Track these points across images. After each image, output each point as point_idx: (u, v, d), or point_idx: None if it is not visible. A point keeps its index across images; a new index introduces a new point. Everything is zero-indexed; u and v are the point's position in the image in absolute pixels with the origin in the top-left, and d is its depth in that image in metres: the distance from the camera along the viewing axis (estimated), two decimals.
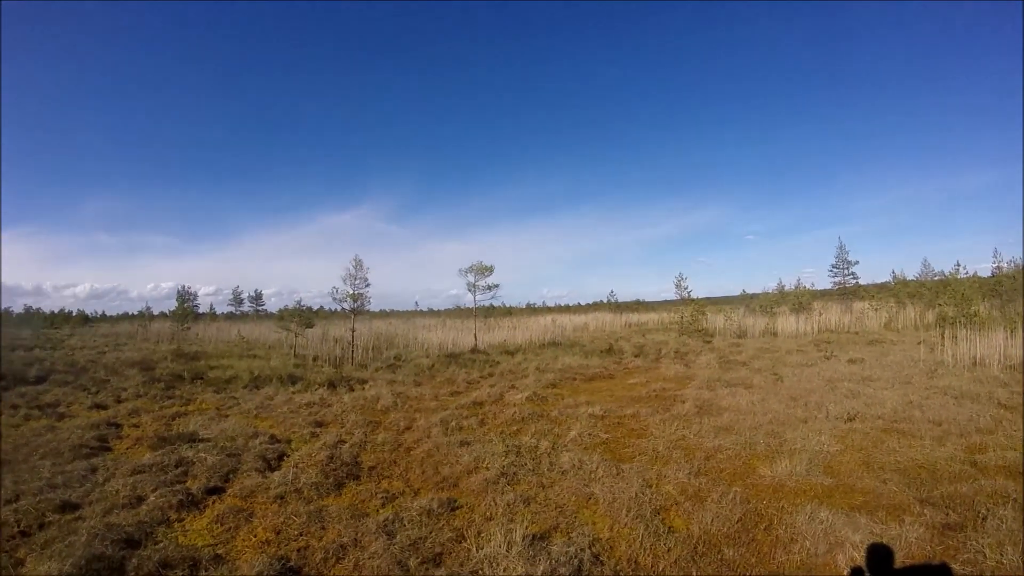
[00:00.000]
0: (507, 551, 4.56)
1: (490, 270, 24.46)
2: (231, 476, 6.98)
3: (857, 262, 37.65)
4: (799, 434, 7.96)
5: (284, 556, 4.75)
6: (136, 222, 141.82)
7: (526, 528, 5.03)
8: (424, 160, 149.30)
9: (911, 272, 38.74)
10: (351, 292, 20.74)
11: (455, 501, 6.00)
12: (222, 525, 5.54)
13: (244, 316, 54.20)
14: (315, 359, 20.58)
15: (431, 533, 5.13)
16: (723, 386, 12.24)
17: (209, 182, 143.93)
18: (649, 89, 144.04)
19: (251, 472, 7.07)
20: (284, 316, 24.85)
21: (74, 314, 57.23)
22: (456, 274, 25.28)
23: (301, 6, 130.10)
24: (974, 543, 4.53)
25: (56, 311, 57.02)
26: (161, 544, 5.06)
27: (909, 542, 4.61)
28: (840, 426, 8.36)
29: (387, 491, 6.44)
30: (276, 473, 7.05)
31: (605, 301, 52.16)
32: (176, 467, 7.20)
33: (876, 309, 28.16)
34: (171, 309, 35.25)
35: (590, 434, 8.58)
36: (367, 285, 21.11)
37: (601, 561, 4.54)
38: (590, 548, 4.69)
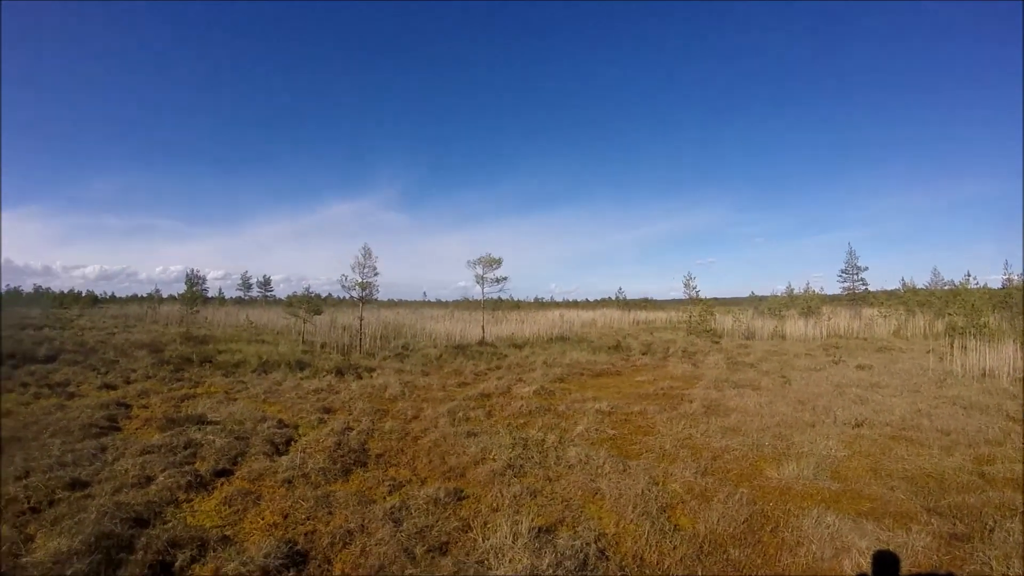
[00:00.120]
0: (513, 542, 4.58)
1: (498, 263, 24.40)
2: (239, 459, 7.03)
3: (867, 268, 37.52)
4: (807, 438, 7.95)
5: (291, 539, 4.79)
6: (146, 205, 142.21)
7: (532, 520, 5.03)
8: (433, 152, 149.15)
9: (921, 280, 38.51)
10: (360, 280, 20.76)
11: (462, 491, 6.02)
12: (230, 507, 5.59)
13: (252, 301, 54.33)
14: (323, 346, 20.65)
15: (437, 522, 5.16)
16: (731, 387, 12.22)
17: (220, 167, 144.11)
18: (656, 87, 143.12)
19: (259, 456, 7.12)
20: (293, 302, 24.96)
21: (83, 295, 57.58)
22: (464, 266, 25.23)
23: None
24: (981, 554, 4.51)
25: (65, 291, 57.35)
26: (170, 524, 5.10)
27: (916, 550, 4.60)
28: (848, 431, 8.33)
29: (394, 479, 6.48)
30: (284, 457, 7.10)
31: (613, 298, 52.08)
32: (185, 448, 7.25)
33: (885, 316, 28.04)
34: (180, 292, 35.51)
35: (597, 429, 8.59)
36: (376, 274, 21.13)
37: (607, 556, 4.55)
38: (596, 543, 4.70)
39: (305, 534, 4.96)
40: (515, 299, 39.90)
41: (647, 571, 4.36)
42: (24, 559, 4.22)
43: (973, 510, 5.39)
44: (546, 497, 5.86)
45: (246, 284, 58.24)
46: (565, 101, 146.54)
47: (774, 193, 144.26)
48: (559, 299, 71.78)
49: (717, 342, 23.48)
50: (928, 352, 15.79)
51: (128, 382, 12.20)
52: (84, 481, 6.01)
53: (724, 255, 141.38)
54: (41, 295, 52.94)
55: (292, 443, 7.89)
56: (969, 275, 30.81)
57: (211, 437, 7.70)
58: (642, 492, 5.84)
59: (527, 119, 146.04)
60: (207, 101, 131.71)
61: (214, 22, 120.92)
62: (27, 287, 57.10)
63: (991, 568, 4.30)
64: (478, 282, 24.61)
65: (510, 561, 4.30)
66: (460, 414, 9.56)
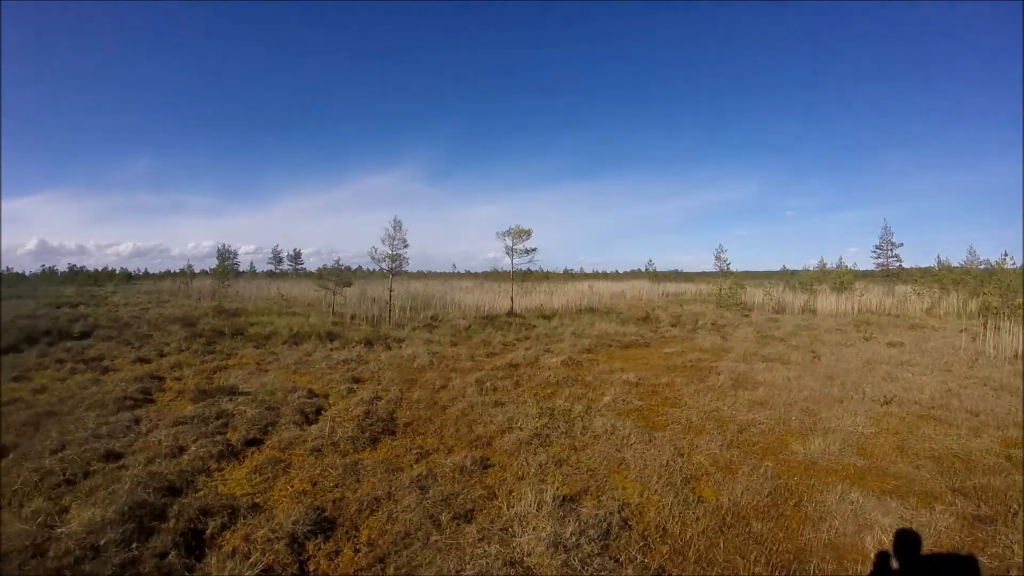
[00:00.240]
0: (537, 511, 4.64)
1: (528, 234, 24.37)
2: (270, 428, 7.18)
3: (902, 244, 36.90)
4: (834, 413, 7.89)
5: (320, 506, 4.89)
6: (178, 182, 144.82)
7: (557, 489, 5.10)
8: (464, 122, 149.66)
9: (956, 259, 37.72)
10: (390, 252, 20.89)
11: (488, 460, 6.10)
12: (260, 475, 5.72)
13: (283, 275, 55.05)
14: (353, 318, 20.85)
15: (463, 490, 5.24)
16: (759, 360, 12.15)
17: (250, 143, 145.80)
18: (692, 56, 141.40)
19: (289, 425, 7.26)
20: (323, 275, 25.19)
21: (117, 272, 58.65)
22: (493, 237, 25.30)
23: None
24: (1004, 538, 4.46)
25: (100, 269, 58.49)
26: (201, 492, 5.24)
27: (938, 530, 4.56)
28: (876, 408, 8.25)
29: (421, 447, 6.58)
30: (313, 427, 7.24)
31: (643, 270, 51.71)
32: (216, 419, 7.41)
33: (919, 294, 27.52)
34: (212, 267, 36.03)
35: (624, 400, 8.61)
36: (405, 246, 21.24)
37: (630, 526, 4.59)
38: (619, 512, 4.74)
39: (333, 501, 5.07)
40: (544, 270, 39.79)
41: (669, 542, 4.39)
42: (59, 530, 4.36)
43: (998, 493, 5.32)
44: (571, 466, 5.92)
45: (277, 258, 58.98)
46: (600, 71, 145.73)
47: (810, 167, 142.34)
48: (588, 271, 71.69)
49: (747, 315, 23.27)
50: (961, 331, 15.50)
51: (161, 355, 12.46)
52: (118, 452, 6.18)
53: (756, 228, 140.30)
54: (76, 273, 53.88)
55: (322, 412, 8.03)
56: (1006, 255, 30.14)
57: (242, 407, 7.87)
58: (667, 463, 5.87)
59: (561, 89, 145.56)
60: (240, 79, 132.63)
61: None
62: (62, 266, 58.18)
63: (1013, 552, 4.25)
64: (507, 253, 24.66)
65: (534, 529, 4.36)
66: (488, 384, 9.65)
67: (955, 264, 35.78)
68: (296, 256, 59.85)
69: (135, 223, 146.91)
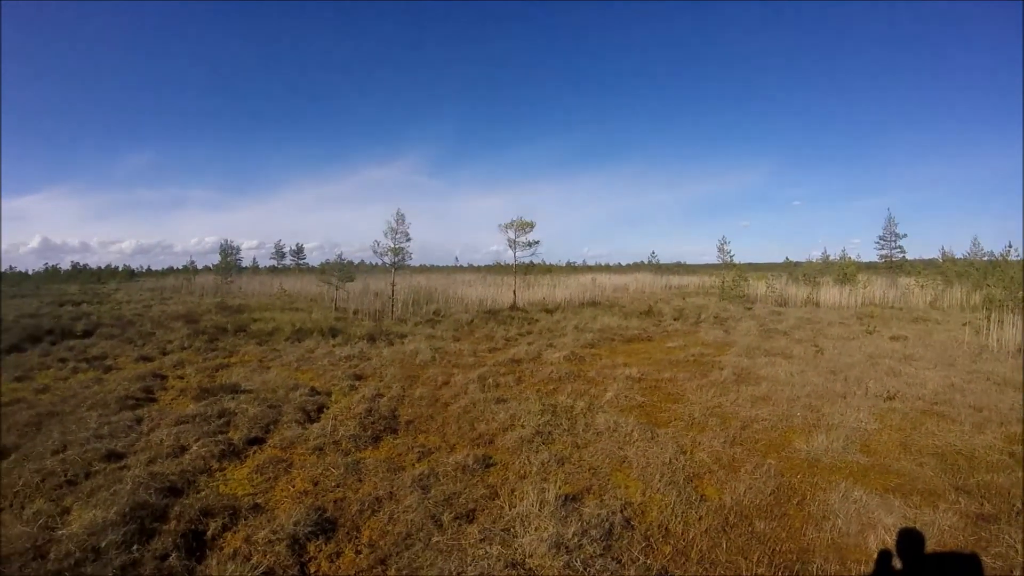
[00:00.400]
0: (539, 510, 4.62)
1: (531, 226, 24.36)
2: (272, 427, 7.18)
3: (905, 235, 36.73)
4: (837, 409, 7.86)
5: (321, 507, 4.88)
6: (179, 177, 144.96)
7: (559, 488, 5.07)
8: (465, 114, 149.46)
9: (960, 250, 37.56)
10: (392, 246, 20.90)
11: (490, 458, 6.08)
12: (262, 475, 5.72)
13: (286, 270, 55.16)
14: (355, 313, 20.89)
15: (465, 489, 5.22)
16: (762, 355, 12.11)
17: (252, 137, 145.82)
18: (697, 45, 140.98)
19: (291, 423, 7.26)
20: (325, 270, 25.20)
21: (120, 269, 58.76)
22: (496, 229, 25.29)
23: None
24: (1007, 537, 4.42)
25: (103, 266, 58.56)
26: (203, 492, 5.24)
27: (942, 529, 4.53)
28: (879, 404, 8.21)
29: (423, 446, 6.57)
30: (315, 425, 7.24)
31: (646, 262, 51.77)
32: (219, 418, 7.41)
33: (922, 286, 27.42)
34: (215, 263, 36.11)
35: (626, 396, 8.59)
36: (408, 239, 21.25)
37: (632, 526, 4.57)
38: (622, 512, 4.72)
39: (334, 501, 5.06)
40: (547, 263, 39.79)
41: (672, 542, 4.37)
42: (60, 531, 4.35)
43: (1002, 490, 5.29)
44: (574, 465, 5.90)
45: (279, 253, 59.11)
46: (605, 60, 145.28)
47: (815, 155, 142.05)
48: (591, 263, 71.84)
49: (750, 308, 23.21)
50: (964, 325, 15.41)
51: (164, 353, 12.47)
52: (120, 452, 6.17)
53: (760, 218, 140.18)
54: (79, 271, 53.96)
55: (324, 410, 8.03)
56: (1010, 246, 30.04)
57: (244, 406, 7.88)
58: (669, 461, 5.85)
59: (564, 79, 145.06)
60: (241, 72, 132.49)
61: None
62: (65, 264, 58.27)
63: (1016, 551, 4.22)
64: (510, 246, 24.66)
65: (536, 529, 4.34)
66: (490, 380, 9.62)
67: (959, 256, 35.70)
68: (299, 251, 60.03)
69: (137, 219, 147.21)
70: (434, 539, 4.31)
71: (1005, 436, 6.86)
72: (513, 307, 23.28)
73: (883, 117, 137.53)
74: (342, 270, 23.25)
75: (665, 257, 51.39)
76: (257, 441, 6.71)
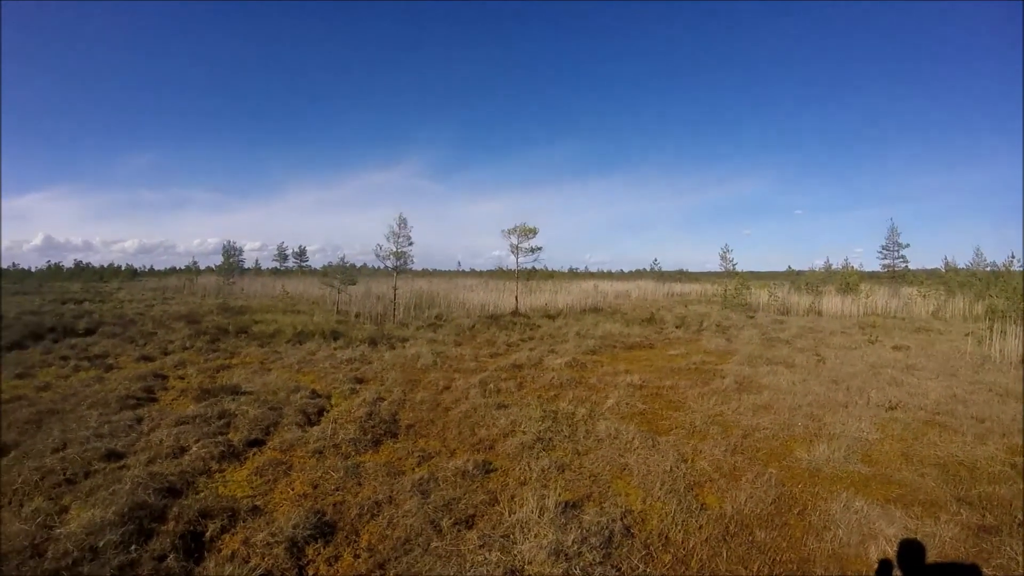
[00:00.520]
0: (539, 517, 4.61)
1: (534, 232, 24.41)
2: (272, 429, 7.17)
3: (908, 245, 36.70)
4: (839, 419, 7.84)
5: (320, 510, 4.87)
6: (183, 178, 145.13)
7: (559, 495, 5.05)
8: (467, 117, 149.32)
9: (963, 260, 37.50)
10: (394, 250, 20.91)
11: (490, 464, 6.06)
12: (261, 477, 5.70)
13: (288, 272, 55.15)
14: (357, 316, 20.90)
15: (465, 495, 5.20)
16: (764, 363, 12.07)
17: (255, 139, 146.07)
18: (701, 53, 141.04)
19: (291, 426, 7.25)
20: (328, 273, 25.28)
21: (123, 268, 58.93)
22: (498, 234, 25.44)
23: None
24: (1008, 548, 4.40)
25: (105, 265, 58.67)
26: (202, 494, 5.23)
27: (943, 540, 4.51)
28: (881, 414, 8.18)
29: (423, 450, 6.54)
30: (316, 428, 7.23)
31: (648, 269, 51.77)
32: (219, 419, 7.40)
33: (925, 296, 27.37)
34: (217, 264, 36.20)
35: (627, 404, 8.56)
36: (410, 243, 21.28)
37: (632, 534, 4.55)
38: (622, 520, 4.70)
39: (334, 505, 5.05)
40: (549, 269, 39.83)
41: (672, 550, 4.35)
42: (58, 530, 4.34)
43: (1003, 502, 5.27)
44: (574, 471, 5.88)
45: (282, 255, 59.11)
46: (608, 67, 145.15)
47: (818, 164, 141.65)
48: (594, 269, 71.88)
49: (752, 317, 23.18)
50: (967, 335, 15.37)
51: (165, 353, 12.47)
52: (120, 452, 6.16)
53: (762, 227, 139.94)
54: (82, 270, 54.09)
55: (324, 413, 8.02)
56: (1013, 256, 29.98)
57: (245, 407, 7.87)
58: (670, 469, 5.83)
59: (567, 85, 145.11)
60: (244, 74, 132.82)
61: None
62: (68, 263, 58.38)
63: (1018, 563, 4.19)
64: (513, 252, 24.69)
65: (535, 536, 4.32)
66: (491, 385, 9.61)
67: (962, 266, 35.64)
68: (301, 253, 60.02)
69: (140, 219, 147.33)
70: (433, 544, 4.29)
71: (1007, 447, 6.83)
72: (515, 312, 23.28)
73: (886, 126, 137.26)
74: (344, 273, 23.28)
75: (667, 264, 51.28)
76: (257, 443, 6.70)
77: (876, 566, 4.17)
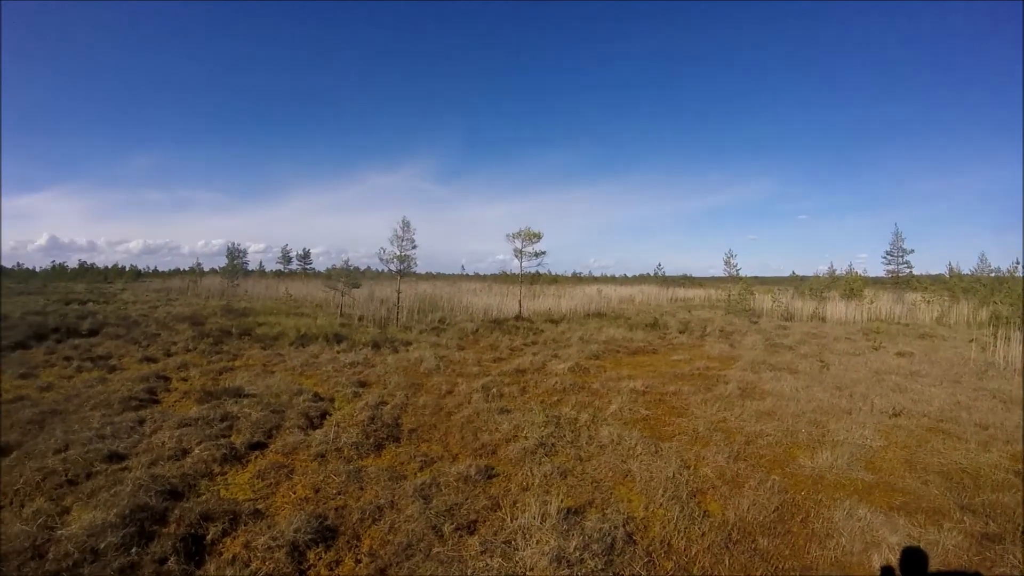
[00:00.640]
0: (541, 523, 4.60)
1: (538, 237, 24.42)
2: (274, 432, 7.17)
3: (912, 250, 36.55)
4: (842, 425, 7.81)
5: (322, 514, 4.86)
6: (185, 179, 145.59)
7: (561, 501, 5.04)
8: (472, 121, 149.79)
9: (967, 265, 37.37)
10: (398, 253, 20.92)
11: (492, 469, 6.05)
12: (263, 480, 5.70)
13: (292, 274, 55.09)
14: (361, 319, 20.92)
15: (467, 500, 5.19)
16: (767, 369, 12.04)
17: (261, 141, 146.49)
18: (705, 58, 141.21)
19: (294, 429, 7.24)
20: (331, 275, 25.26)
21: (127, 269, 59.07)
22: (502, 238, 25.36)
23: None
24: (1012, 557, 4.38)
25: (109, 266, 58.83)
26: (203, 497, 5.23)
27: (946, 548, 4.49)
28: (885, 421, 8.15)
29: (426, 455, 6.54)
30: (318, 431, 7.22)
31: (652, 274, 51.82)
32: (221, 421, 7.41)
33: (929, 302, 27.29)
34: (221, 266, 36.24)
35: (630, 409, 8.53)
36: (414, 247, 21.29)
37: (634, 540, 4.53)
38: (624, 526, 4.69)
39: (335, 509, 5.04)
40: (553, 273, 39.85)
41: (674, 558, 4.33)
42: (59, 532, 4.34)
43: (1007, 510, 5.24)
44: (576, 477, 5.86)
45: (286, 257, 59.04)
46: (611, 71, 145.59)
47: (821, 169, 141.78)
48: (597, 274, 71.92)
49: (755, 322, 23.14)
50: (971, 341, 15.33)
51: (168, 355, 12.50)
52: (122, 454, 6.17)
53: (767, 232, 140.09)
54: (86, 270, 54.26)
55: (327, 417, 8.01)
56: (1017, 262, 29.87)
57: (247, 410, 7.87)
58: (673, 476, 5.81)
59: (570, 89, 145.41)
60: (250, 76, 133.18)
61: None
62: (72, 263, 58.56)
63: (1021, 572, 4.18)
64: (516, 256, 24.66)
65: (537, 542, 4.31)
66: (494, 390, 9.60)
67: (966, 271, 35.54)
68: (305, 255, 59.97)
69: (145, 220, 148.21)
70: (435, 550, 4.28)
71: (1011, 455, 6.80)
72: (518, 317, 23.28)
73: (891, 131, 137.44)
74: (348, 276, 23.28)
75: (671, 269, 51.57)
76: (259, 446, 6.70)
77: (879, 574, 4.16)
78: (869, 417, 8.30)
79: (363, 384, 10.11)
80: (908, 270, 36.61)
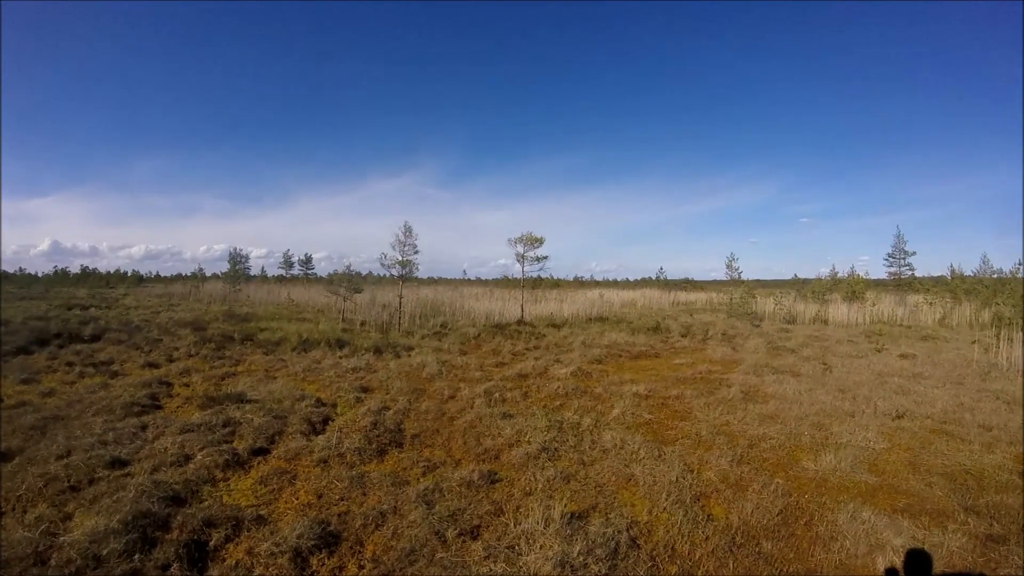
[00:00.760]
0: (545, 528, 4.58)
1: (540, 241, 24.47)
2: (277, 438, 7.15)
3: (914, 253, 36.55)
4: (845, 428, 7.79)
5: (325, 520, 4.84)
6: (187, 184, 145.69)
7: (565, 506, 5.03)
8: (474, 126, 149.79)
9: (969, 267, 37.31)
10: (400, 258, 20.92)
11: (495, 474, 6.03)
12: (266, 486, 5.69)
13: (294, 279, 55.13)
14: (363, 324, 20.92)
15: (470, 505, 5.18)
16: (770, 372, 12.03)
17: (261, 145, 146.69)
18: (705, 61, 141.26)
19: (296, 435, 7.24)
20: (333, 280, 25.25)
21: (129, 274, 59.17)
22: (504, 243, 25.45)
23: None
24: (1016, 558, 4.37)
25: (111, 271, 58.99)
26: (206, 502, 5.22)
27: (951, 550, 4.47)
28: (888, 423, 8.15)
29: (428, 460, 6.52)
30: (320, 437, 7.21)
31: (654, 278, 51.86)
32: (224, 427, 7.39)
33: (931, 304, 27.25)
34: (223, 271, 36.28)
35: (633, 413, 8.52)
36: (416, 252, 21.29)
37: (638, 545, 4.52)
38: (628, 531, 4.67)
39: (338, 515, 5.02)
40: (555, 278, 39.84)
41: (678, 562, 4.32)
42: (61, 538, 4.33)
43: (1011, 511, 5.23)
44: (579, 482, 5.85)
45: (288, 262, 59.08)
46: (613, 75, 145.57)
47: (823, 172, 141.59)
48: (599, 278, 71.92)
49: (757, 325, 23.13)
50: (973, 342, 15.31)
51: (171, 360, 12.50)
52: (124, 460, 6.16)
53: (769, 235, 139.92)
54: (88, 275, 54.37)
55: (329, 422, 8.01)
56: (1019, 264, 29.81)
57: (250, 416, 7.86)
58: (676, 480, 5.80)
59: (572, 93, 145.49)
60: (252, 82, 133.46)
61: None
62: (74, 268, 58.73)
63: None
64: (518, 260, 24.71)
65: (541, 547, 4.30)
66: (496, 395, 9.58)
67: (968, 273, 35.49)
68: (307, 261, 60.04)
69: (147, 225, 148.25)
70: (438, 555, 4.27)
71: (1014, 456, 6.79)
72: (520, 321, 23.28)
73: (892, 134, 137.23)
74: (350, 281, 23.27)
75: (673, 273, 51.57)
76: (262, 452, 6.69)
77: (882, 573, 4.15)
78: (872, 419, 8.29)
79: (365, 389, 10.10)
80: (910, 272, 36.55)
